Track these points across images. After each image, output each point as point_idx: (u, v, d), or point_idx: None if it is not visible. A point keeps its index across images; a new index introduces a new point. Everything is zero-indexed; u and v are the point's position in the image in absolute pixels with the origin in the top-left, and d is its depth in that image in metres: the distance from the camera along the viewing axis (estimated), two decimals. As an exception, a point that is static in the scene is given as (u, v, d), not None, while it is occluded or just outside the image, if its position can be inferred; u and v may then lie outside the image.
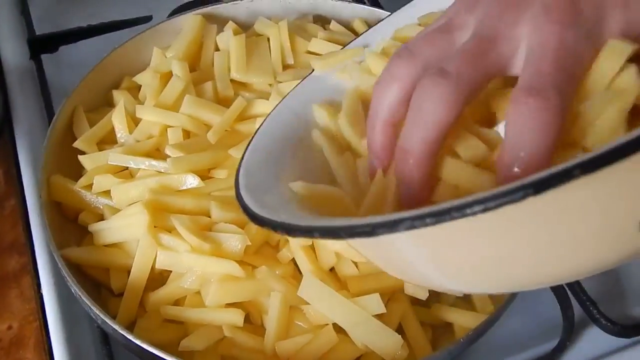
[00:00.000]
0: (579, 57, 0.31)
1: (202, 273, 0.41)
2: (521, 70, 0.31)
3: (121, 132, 0.49)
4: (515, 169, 0.30)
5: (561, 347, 0.46)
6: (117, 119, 0.49)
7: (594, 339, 0.48)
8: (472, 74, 0.32)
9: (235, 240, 0.41)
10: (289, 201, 0.34)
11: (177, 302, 0.42)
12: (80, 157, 0.48)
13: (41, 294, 0.47)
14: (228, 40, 0.53)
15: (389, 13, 0.56)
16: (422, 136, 0.32)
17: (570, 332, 0.47)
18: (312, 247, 0.42)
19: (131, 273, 0.42)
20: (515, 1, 0.32)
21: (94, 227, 0.44)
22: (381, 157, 0.35)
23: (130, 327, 0.40)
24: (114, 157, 0.46)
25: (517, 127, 0.30)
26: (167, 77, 0.52)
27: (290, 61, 0.53)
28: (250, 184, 0.35)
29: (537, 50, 0.31)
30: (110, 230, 0.44)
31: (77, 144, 0.48)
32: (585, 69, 0.31)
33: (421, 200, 0.33)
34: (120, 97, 0.51)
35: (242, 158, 0.38)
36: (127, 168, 0.47)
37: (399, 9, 0.49)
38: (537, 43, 0.31)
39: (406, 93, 0.34)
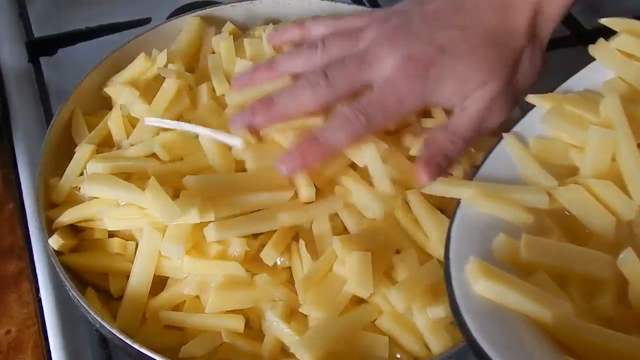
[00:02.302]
0: (402, 104, 0.44)
1: (201, 279, 0.40)
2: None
3: (118, 136, 0.49)
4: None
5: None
6: (114, 123, 0.49)
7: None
8: (343, 83, 0.45)
9: (236, 245, 0.41)
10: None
11: (177, 307, 0.41)
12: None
13: (39, 298, 0.46)
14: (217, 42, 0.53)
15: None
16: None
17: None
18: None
19: (132, 280, 0.41)
20: (393, 38, 0.45)
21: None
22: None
23: (129, 332, 0.40)
24: (92, 166, 0.45)
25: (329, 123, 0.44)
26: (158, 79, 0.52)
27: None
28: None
29: (381, 85, 0.44)
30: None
31: (78, 149, 0.48)
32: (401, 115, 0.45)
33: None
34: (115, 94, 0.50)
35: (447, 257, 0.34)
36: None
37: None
38: (385, 79, 0.44)
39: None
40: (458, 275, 0.33)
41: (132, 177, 0.45)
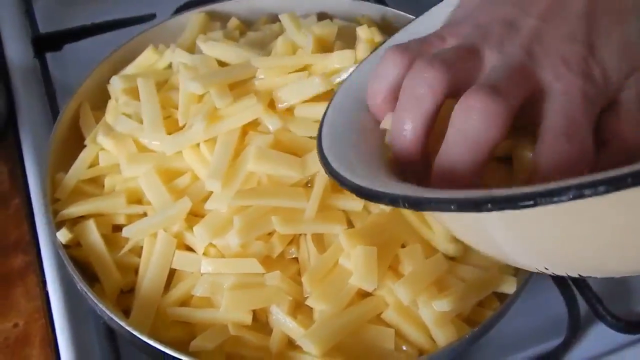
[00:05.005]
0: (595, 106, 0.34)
1: (214, 280, 0.40)
2: (548, 111, 0.34)
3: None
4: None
5: (567, 344, 0.46)
6: (112, 118, 0.49)
7: (599, 336, 0.48)
8: (516, 95, 0.33)
9: (256, 246, 0.41)
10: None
11: (185, 302, 0.42)
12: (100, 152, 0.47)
13: (46, 292, 0.47)
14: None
15: (392, 10, 0.57)
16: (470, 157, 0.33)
17: (575, 329, 0.47)
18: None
19: (146, 280, 0.42)
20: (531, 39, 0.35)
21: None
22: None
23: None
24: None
25: (549, 167, 0.33)
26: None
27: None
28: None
29: (564, 98, 0.34)
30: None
31: (87, 142, 0.48)
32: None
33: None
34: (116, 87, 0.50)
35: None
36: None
37: (402, 4, 0.49)
38: (562, 91, 0.34)
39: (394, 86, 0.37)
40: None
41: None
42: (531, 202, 0.24)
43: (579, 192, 0.23)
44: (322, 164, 0.36)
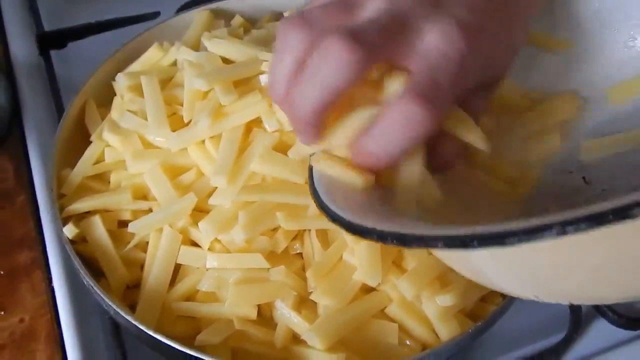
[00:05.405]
0: (468, 79, 0.34)
1: (220, 275, 0.41)
2: (413, 65, 0.33)
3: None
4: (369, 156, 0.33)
5: (568, 340, 0.47)
6: (117, 115, 0.49)
7: (601, 332, 0.48)
8: (381, 46, 0.32)
9: (261, 242, 0.42)
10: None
11: (190, 297, 0.42)
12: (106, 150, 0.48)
13: (52, 288, 0.47)
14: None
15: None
16: (317, 98, 0.32)
17: (577, 325, 0.47)
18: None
19: (151, 276, 0.42)
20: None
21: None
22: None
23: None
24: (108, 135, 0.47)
25: (390, 121, 0.32)
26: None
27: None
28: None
29: (440, 59, 0.32)
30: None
31: (93, 139, 0.49)
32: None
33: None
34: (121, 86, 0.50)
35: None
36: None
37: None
38: (441, 52, 0.32)
39: (300, 63, 0.33)
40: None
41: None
42: (516, 240, 0.25)
43: (562, 230, 0.24)
44: (313, 198, 0.35)
